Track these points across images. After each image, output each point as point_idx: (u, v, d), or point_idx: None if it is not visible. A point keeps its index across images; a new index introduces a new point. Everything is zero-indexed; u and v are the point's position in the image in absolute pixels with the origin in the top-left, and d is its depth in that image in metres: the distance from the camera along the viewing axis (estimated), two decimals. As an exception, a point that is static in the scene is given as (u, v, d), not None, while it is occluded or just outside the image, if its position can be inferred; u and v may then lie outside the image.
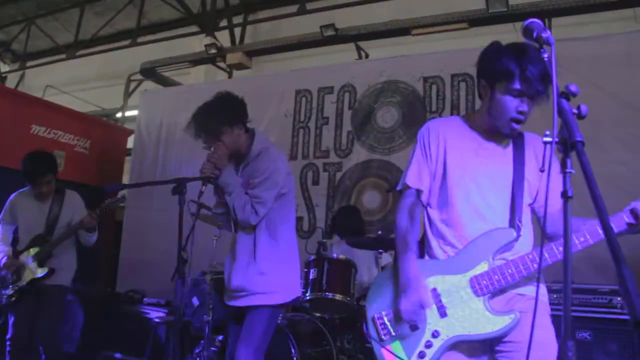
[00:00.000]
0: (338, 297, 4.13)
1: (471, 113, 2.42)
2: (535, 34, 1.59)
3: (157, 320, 5.22)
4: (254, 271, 3.03)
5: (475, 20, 6.13)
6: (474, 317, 2.05)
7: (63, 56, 10.10)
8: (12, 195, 4.54)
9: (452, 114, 5.39)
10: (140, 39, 9.12)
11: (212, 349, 4.44)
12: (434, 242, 2.23)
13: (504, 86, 2.03)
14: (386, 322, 2.19)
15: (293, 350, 3.97)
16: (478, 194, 2.15)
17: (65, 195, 4.53)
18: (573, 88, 1.47)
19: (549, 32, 1.59)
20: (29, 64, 11.15)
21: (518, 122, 2.08)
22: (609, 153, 4.58)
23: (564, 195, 1.38)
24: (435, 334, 2.08)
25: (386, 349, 2.16)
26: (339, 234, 5.09)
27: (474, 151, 2.20)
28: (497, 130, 2.15)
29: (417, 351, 2.09)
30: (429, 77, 5.58)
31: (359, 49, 7.06)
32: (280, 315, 3.94)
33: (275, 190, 3.04)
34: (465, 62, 5.38)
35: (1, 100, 6.62)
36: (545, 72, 1.88)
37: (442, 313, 2.09)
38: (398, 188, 2.35)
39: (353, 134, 5.87)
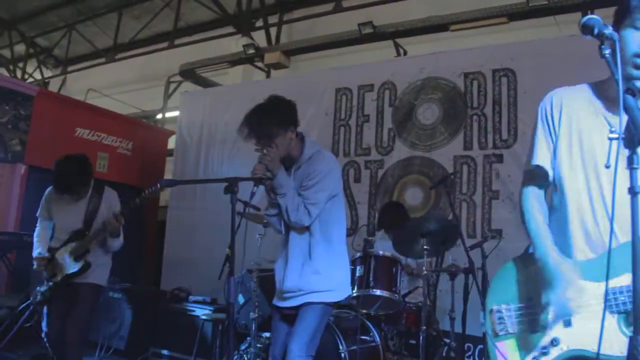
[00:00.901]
0: (385, 293, 4.16)
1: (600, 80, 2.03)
2: (596, 30, 1.54)
3: (203, 317, 5.30)
4: (309, 271, 3.07)
5: (515, 14, 6.05)
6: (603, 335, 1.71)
7: (103, 60, 10.33)
8: (48, 190, 4.40)
9: (494, 110, 5.36)
10: (177, 41, 9.25)
11: (258, 345, 4.49)
12: (576, 237, 1.90)
13: (628, 20, 1.75)
14: (505, 316, 1.98)
15: (341, 347, 4.00)
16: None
17: (104, 192, 4.39)
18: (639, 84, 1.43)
19: (610, 27, 1.56)
20: (70, 68, 11.42)
21: None
22: None
23: (632, 191, 1.36)
24: (554, 342, 1.84)
25: (498, 345, 1.98)
26: (384, 230, 5.13)
27: (598, 131, 1.87)
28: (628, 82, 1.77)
29: (531, 355, 1.88)
30: (469, 73, 5.54)
31: (397, 46, 7.04)
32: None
33: (327, 191, 3.09)
34: (506, 56, 5.36)
35: (46, 104, 6.81)
36: None
37: (567, 321, 1.83)
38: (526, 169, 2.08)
39: (394, 131, 5.87)
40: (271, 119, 3.07)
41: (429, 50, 6.57)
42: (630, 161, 1.37)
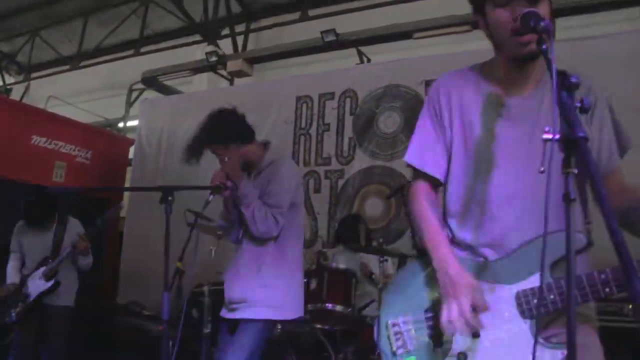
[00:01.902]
0: (338, 307, 4.03)
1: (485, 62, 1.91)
2: (532, 23, 1.44)
3: (154, 333, 5.16)
4: (257, 282, 2.94)
5: (478, 23, 5.99)
6: (514, 344, 1.57)
7: (67, 67, 10.11)
8: (18, 224, 4.72)
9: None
10: (143, 49, 9.10)
11: (211, 361, 4.35)
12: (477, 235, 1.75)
13: (490, 3, 1.66)
14: (403, 330, 1.75)
15: (294, 365, 3.87)
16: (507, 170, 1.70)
17: (68, 222, 4.71)
18: (574, 79, 1.30)
19: (547, 20, 1.44)
20: (33, 75, 11.18)
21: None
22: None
23: (566, 198, 1.22)
24: (461, 358, 1.64)
25: None
26: (343, 244, 5.01)
27: (495, 111, 1.76)
28: (518, 67, 1.70)
29: None
30: (431, 81, 5.45)
31: (360, 54, 6.97)
32: (280, 327, 3.85)
33: (290, 196, 3.00)
34: (468, 64, 5.26)
35: (0, 111, 6.59)
36: None
37: (474, 332, 1.62)
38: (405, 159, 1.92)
39: (355, 140, 5.78)
40: (226, 130, 2.97)
41: (394, 58, 6.51)
42: (566, 164, 1.23)
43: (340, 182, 5.77)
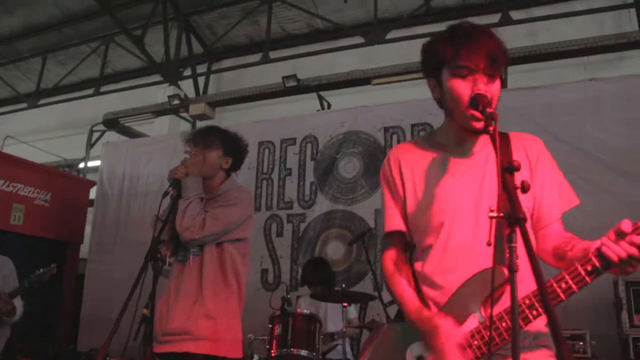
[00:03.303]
0: (303, 352, 4.09)
1: (432, 131, 2.05)
2: (480, 108, 1.59)
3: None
4: (200, 312, 2.84)
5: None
6: None
7: (24, 105, 10.02)
8: None
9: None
10: (103, 88, 9.14)
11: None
12: (425, 291, 1.84)
13: (448, 71, 1.74)
14: None
15: (257, 413, 3.89)
16: (457, 224, 1.80)
17: None
18: (516, 164, 1.47)
19: (493, 106, 1.62)
20: (-12, 113, 11.01)
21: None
22: (562, 197, 4.71)
23: (510, 269, 1.37)
24: None
25: None
26: (308, 286, 5.10)
27: (442, 171, 1.87)
28: (465, 132, 1.80)
29: None
30: (389, 127, 5.67)
31: (321, 98, 7.16)
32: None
33: (236, 218, 2.96)
34: (425, 111, 5.49)
35: (-46, 154, 6.51)
36: (487, 45, 1.70)
37: None
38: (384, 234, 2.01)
39: (316, 185, 5.91)
40: (219, 135, 3.12)
41: (353, 101, 6.71)
42: (509, 239, 1.38)
43: (302, 226, 5.86)
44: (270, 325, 4.33)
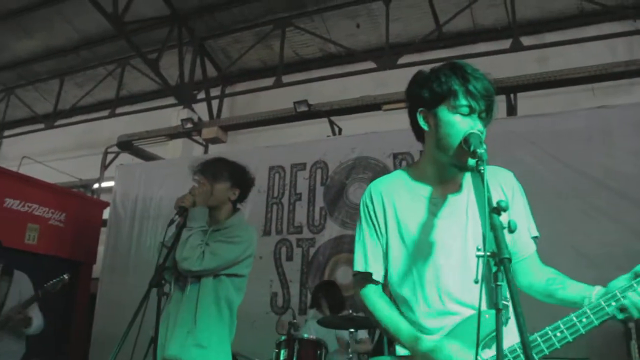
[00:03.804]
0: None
1: (413, 164, 2.08)
2: (472, 148, 1.64)
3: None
4: (192, 342, 2.89)
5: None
6: None
7: (42, 126, 10.20)
8: None
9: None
10: (119, 110, 9.27)
11: None
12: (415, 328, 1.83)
13: (450, 106, 1.76)
14: None
15: None
16: (444, 263, 1.80)
17: (14, 276, 4.48)
18: (503, 204, 1.48)
19: (484, 147, 1.64)
20: (6, 133, 11.22)
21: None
22: (572, 224, 4.74)
23: (496, 307, 1.39)
24: None
25: None
26: (317, 309, 5.13)
27: (427, 209, 1.87)
28: (451, 168, 1.83)
29: None
30: (398, 154, 5.71)
31: (332, 123, 7.23)
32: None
33: (233, 254, 3.01)
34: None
35: (-28, 175, 6.63)
36: (489, 88, 1.76)
37: None
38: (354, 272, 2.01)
39: (325, 210, 5.95)
40: (227, 167, 3.20)
41: (363, 126, 6.78)
42: (495, 278, 1.43)
43: (312, 251, 5.89)
44: (277, 350, 4.38)
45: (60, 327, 6.84)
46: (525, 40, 6.85)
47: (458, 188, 1.88)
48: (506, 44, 6.88)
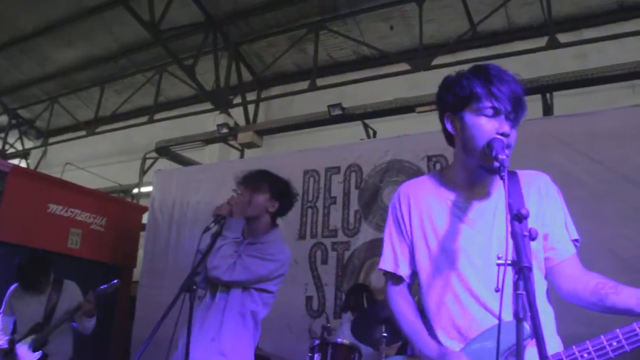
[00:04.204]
0: (344, 384, 4.12)
1: (444, 168, 2.12)
2: (494, 153, 1.63)
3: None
4: (215, 350, 2.92)
5: (444, 117, 6.25)
6: None
7: (83, 133, 10.47)
8: (11, 288, 4.78)
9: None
10: (157, 116, 9.44)
11: None
12: (440, 336, 1.82)
13: (473, 108, 1.75)
14: None
15: None
16: (467, 269, 1.79)
17: (64, 285, 4.75)
18: (524, 212, 1.45)
19: (506, 152, 1.65)
20: (51, 140, 11.55)
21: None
22: (610, 227, 4.59)
23: (516, 316, 1.37)
24: None
25: None
26: (351, 312, 5.13)
27: (454, 214, 1.87)
28: (479, 172, 1.81)
29: None
30: (432, 156, 5.66)
31: (365, 126, 7.22)
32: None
33: (265, 271, 3.01)
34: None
35: (18, 181, 6.83)
36: (516, 88, 1.74)
37: None
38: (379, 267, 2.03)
39: (360, 213, 5.93)
40: (267, 178, 3.21)
41: (398, 128, 6.75)
42: (515, 287, 1.40)
43: (347, 254, 5.88)
44: (310, 354, 4.39)
45: (101, 330, 7.00)
46: (562, 38, 6.71)
47: (487, 193, 1.86)
48: (542, 41, 6.76)
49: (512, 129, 1.75)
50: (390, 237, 1.99)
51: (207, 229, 3.03)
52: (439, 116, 1.94)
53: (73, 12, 9.01)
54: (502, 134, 1.71)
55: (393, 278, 1.98)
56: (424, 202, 1.92)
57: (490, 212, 1.82)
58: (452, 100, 1.82)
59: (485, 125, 1.73)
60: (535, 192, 1.85)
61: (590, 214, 4.55)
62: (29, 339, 4.44)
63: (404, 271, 1.94)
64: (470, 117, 1.77)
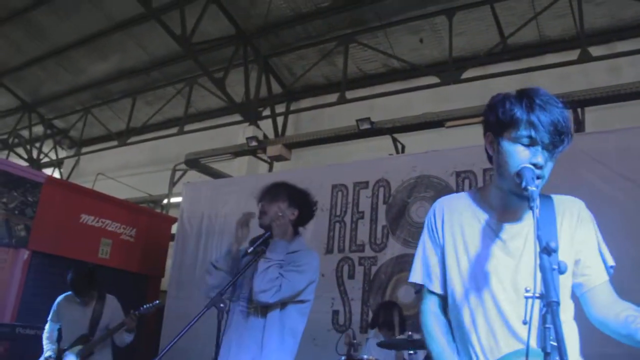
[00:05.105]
0: (370, 401, 4.09)
1: (481, 187, 2.06)
2: (523, 184, 1.61)
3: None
4: None
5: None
6: None
7: (115, 143, 10.66)
8: (60, 298, 5.11)
9: (485, 209, 5.38)
10: (187, 127, 9.56)
11: None
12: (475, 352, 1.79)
13: (510, 135, 1.73)
14: None
15: None
16: (494, 294, 1.77)
17: (106, 299, 5.06)
18: (553, 245, 1.43)
19: (537, 182, 1.64)
20: (83, 150, 11.80)
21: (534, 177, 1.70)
22: (642, 243, 4.49)
23: (544, 349, 1.36)
24: None
25: None
26: (379, 329, 5.10)
27: (487, 236, 1.85)
28: (512, 196, 1.79)
29: None
30: (461, 172, 5.61)
31: (394, 140, 7.20)
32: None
33: (303, 284, 3.02)
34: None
35: (53, 191, 6.98)
36: (558, 121, 1.69)
37: None
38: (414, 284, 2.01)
39: (388, 229, 5.90)
40: (285, 188, 3.23)
41: (427, 142, 6.73)
42: (543, 320, 1.39)
43: (374, 269, 5.85)
44: (336, 370, 4.38)
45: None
46: (595, 51, 6.62)
47: (519, 217, 1.83)
48: (574, 54, 6.68)
49: (548, 160, 1.73)
50: (424, 251, 1.97)
51: (247, 253, 3.04)
52: (484, 132, 1.91)
53: (106, 26, 9.20)
54: (535, 165, 1.69)
55: (425, 293, 1.95)
56: (458, 219, 1.90)
57: (522, 237, 1.80)
58: (493, 122, 1.80)
59: (520, 154, 1.71)
60: (569, 217, 1.82)
61: (622, 232, 4.46)
62: (76, 349, 4.76)
63: (436, 286, 1.91)
64: (506, 143, 1.75)
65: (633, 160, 4.75)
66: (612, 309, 1.76)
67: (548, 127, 1.68)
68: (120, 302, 5.20)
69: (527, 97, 1.73)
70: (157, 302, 5.00)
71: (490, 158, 1.90)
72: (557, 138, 1.70)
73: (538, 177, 1.68)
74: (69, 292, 5.02)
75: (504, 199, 1.83)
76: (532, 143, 1.70)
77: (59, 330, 5.05)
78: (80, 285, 4.86)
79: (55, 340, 5.01)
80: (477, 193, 1.98)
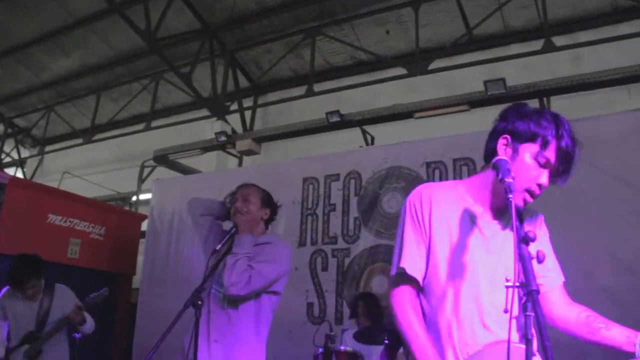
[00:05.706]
0: (348, 392, 4.12)
1: (472, 178, 2.06)
2: (500, 175, 1.64)
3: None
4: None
5: (475, 102, 6.30)
6: None
7: (80, 141, 10.45)
8: (2, 291, 4.62)
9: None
10: (154, 123, 9.43)
11: None
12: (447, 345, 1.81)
13: (533, 150, 1.79)
14: None
15: None
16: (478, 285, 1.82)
17: (55, 290, 4.62)
18: (531, 234, 1.49)
19: (512, 175, 1.66)
20: (47, 148, 11.55)
21: (532, 195, 1.82)
22: (610, 231, 4.60)
23: (525, 337, 1.41)
24: None
25: None
26: (356, 320, 5.15)
27: (473, 228, 1.89)
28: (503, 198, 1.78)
29: None
30: (431, 162, 5.67)
31: (364, 132, 7.24)
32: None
33: (275, 273, 3.09)
34: (466, 146, 5.48)
35: (18, 192, 6.82)
36: (573, 157, 1.80)
37: None
38: (392, 273, 1.96)
39: (360, 220, 5.94)
40: (258, 189, 3.36)
41: (396, 133, 6.77)
42: (524, 308, 1.43)
43: (347, 261, 5.88)
44: (314, 363, 4.40)
45: (101, 337, 7.00)
46: (558, 41, 6.73)
47: (501, 212, 1.92)
48: (538, 45, 6.78)
49: (548, 184, 1.83)
50: (406, 237, 1.93)
51: (215, 251, 3.09)
52: (492, 131, 1.95)
53: (68, 21, 9.00)
54: (540, 186, 1.80)
55: (403, 279, 1.91)
56: (446, 209, 1.91)
57: (501, 231, 1.89)
58: (520, 130, 1.83)
59: (532, 171, 1.80)
60: (532, 225, 1.98)
61: (590, 219, 4.58)
62: (23, 348, 4.32)
63: (419, 273, 1.89)
64: (525, 154, 1.81)
65: (599, 148, 4.86)
66: (572, 310, 1.90)
67: (567, 157, 1.79)
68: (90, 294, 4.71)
69: (560, 122, 1.81)
70: (103, 290, 4.55)
71: (487, 155, 1.94)
72: (568, 171, 1.83)
73: (533, 197, 1.82)
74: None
75: (495, 198, 1.90)
76: (546, 165, 1.80)
77: (9, 328, 4.51)
78: (17, 275, 4.36)
79: (4, 340, 4.46)
80: (465, 185, 2.00)
